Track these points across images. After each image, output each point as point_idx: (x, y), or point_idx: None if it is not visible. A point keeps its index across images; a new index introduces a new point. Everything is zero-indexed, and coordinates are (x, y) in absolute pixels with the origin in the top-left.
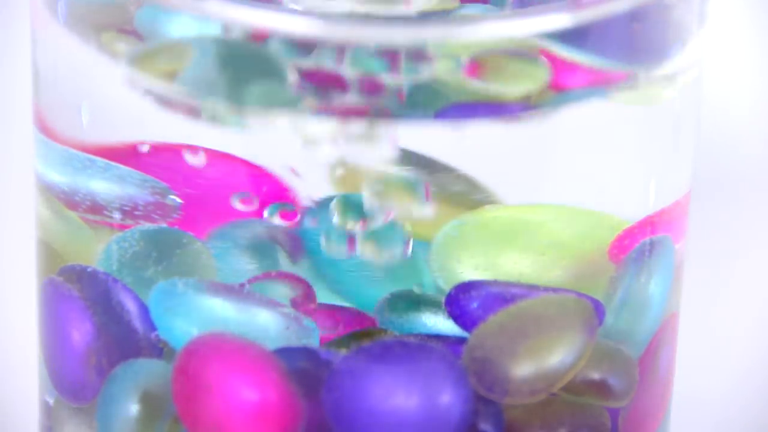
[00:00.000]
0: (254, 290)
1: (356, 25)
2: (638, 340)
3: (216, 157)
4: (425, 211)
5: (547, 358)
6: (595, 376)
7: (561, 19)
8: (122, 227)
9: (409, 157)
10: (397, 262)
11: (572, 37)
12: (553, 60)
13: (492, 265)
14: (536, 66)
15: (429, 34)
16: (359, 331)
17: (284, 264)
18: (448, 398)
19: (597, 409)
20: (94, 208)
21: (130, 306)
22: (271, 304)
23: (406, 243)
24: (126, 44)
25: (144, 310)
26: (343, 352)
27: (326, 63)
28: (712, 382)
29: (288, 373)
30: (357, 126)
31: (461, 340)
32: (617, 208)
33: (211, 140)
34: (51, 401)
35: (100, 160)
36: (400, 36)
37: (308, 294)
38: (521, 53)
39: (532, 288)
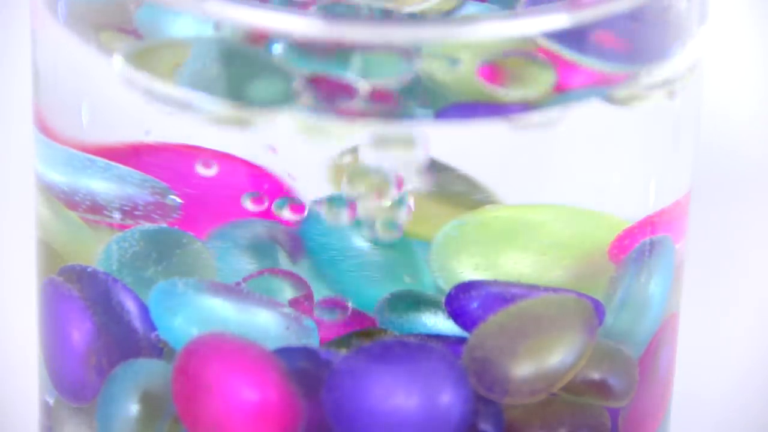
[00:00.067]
0: (249, 288)
1: (356, 25)
2: (638, 340)
3: (216, 157)
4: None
5: (547, 358)
6: (595, 376)
7: (560, 19)
8: (122, 227)
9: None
10: (396, 262)
11: (572, 37)
12: (555, 60)
13: (492, 265)
14: (545, 69)
15: (429, 34)
16: (359, 331)
17: (284, 264)
18: (448, 398)
19: (597, 409)
20: (94, 208)
21: (130, 306)
22: (271, 304)
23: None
24: (126, 43)
25: (144, 310)
26: (343, 352)
27: (326, 63)
28: (712, 382)
29: (288, 373)
30: (391, 129)
31: (461, 340)
32: (617, 208)
33: (211, 140)
34: (51, 401)
35: (100, 160)
36: (400, 36)
37: (300, 285)
38: (532, 56)
39: (532, 288)
